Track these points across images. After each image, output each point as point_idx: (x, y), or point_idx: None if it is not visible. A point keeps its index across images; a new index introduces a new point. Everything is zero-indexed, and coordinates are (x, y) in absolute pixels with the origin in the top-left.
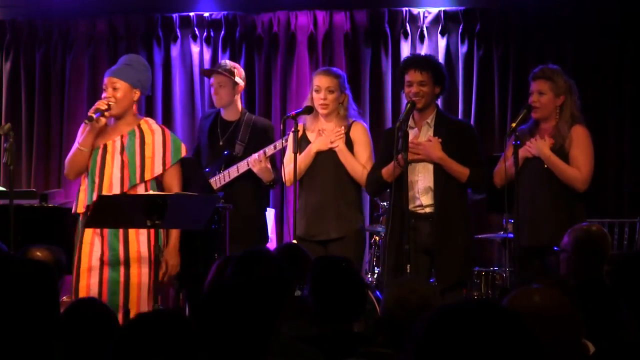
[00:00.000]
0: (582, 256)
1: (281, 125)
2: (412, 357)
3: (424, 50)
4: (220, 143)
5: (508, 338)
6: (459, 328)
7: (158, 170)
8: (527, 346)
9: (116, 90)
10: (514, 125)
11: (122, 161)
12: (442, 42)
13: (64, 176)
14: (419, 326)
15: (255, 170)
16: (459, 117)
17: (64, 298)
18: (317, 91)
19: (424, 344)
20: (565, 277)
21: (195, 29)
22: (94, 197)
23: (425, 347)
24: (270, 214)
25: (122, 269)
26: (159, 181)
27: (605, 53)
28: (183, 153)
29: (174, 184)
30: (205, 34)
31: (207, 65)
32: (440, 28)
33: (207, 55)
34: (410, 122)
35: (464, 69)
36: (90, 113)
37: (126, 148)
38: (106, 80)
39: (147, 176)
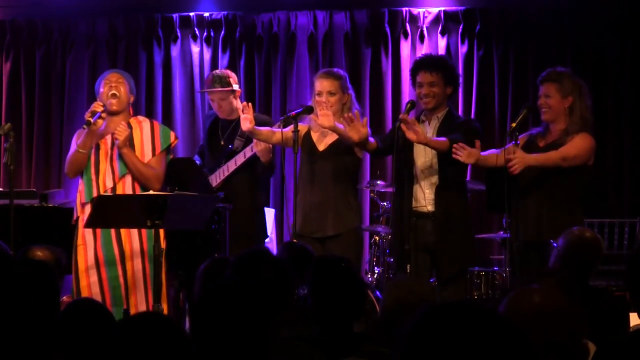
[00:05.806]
0: (570, 263)
1: (281, 125)
2: (399, 357)
3: (423, 50)
4: (222, 142)
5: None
6: (442, 329)
7: (148, 156)
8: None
9: (120, 85)
10: (514, 125)
11: (112, 155)
12: (442, 42)
13: (64, 176)
14: (405, 327)
15: (257, 149)
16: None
17: (64, 298)
18: (319, 95)
19: (409, 344)
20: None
21: (196, 29)
22: (94, 194)
23: (411, 348)
24: (270, 213)
25: (118, 266)
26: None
27: (605, 53)
28: (172, 139)
29: (158, 168)
30: (205, 34)
31: (207, 65)
32: (440, 28)
33: (207, 55)
34: (422, 116)
35: (464, 69)
36: (88, 117)
37: (115, 142)
38: (109, 75)
39: None
